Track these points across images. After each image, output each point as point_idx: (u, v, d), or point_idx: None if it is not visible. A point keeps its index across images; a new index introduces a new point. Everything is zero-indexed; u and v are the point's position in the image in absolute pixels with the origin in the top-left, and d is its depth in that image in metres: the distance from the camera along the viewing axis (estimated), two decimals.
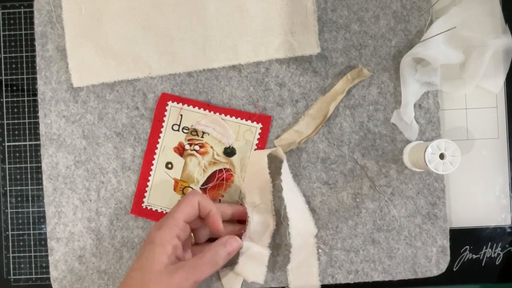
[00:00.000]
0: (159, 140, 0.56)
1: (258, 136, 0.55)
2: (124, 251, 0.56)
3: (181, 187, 0.56)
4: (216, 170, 0.56)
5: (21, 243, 0.57)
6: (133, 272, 0.45)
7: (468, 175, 0.57)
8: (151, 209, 0.56)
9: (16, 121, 0.57)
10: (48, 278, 0.56)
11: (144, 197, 0.56)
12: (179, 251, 0.46)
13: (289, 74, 0.56)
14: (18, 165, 0.57)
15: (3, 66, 0.57)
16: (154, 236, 0.45)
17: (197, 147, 0.56)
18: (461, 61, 0.54)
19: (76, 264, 0.56)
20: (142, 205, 0.56)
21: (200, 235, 0.52)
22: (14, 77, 0.57)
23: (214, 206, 0.49)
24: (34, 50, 0.56)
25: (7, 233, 0.57)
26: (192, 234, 0.52)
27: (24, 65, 0.57)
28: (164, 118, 0.56)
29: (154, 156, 0.56)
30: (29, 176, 0.57)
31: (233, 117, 0.55)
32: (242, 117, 0.55)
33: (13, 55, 0.57)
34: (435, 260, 0.55)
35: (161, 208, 0.56)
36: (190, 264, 0.44)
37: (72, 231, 0.56)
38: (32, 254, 0.57)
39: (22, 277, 0.57)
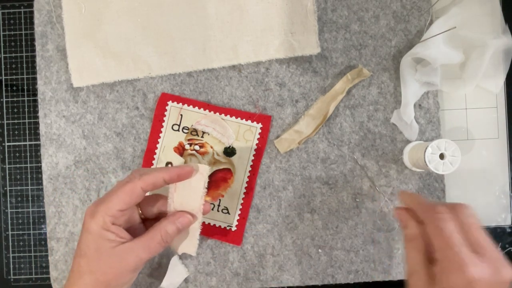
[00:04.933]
0: (159, 140, 0.56)
1: (258, 136, 0.55)
2: None
3: None
4: (216, 170, 0.56)
5: (21, 243, 0.57)
6: (79, 258, 0.44)
7: (468, 175, 0.57)
8: None
9: (16, 121, 0.57)
10: (48, 278, 0.56)
11: None
12: (122, 232, 0.44)
13: (289, 74, 0.56)
14: (18, 165, 0.57)
15: (3, 66, 0.57)
16: (89, 224, 0.43)
17: (197, 147, 0.56)
18: (461, 61, 0.54)
19: None
20: None
21: (148, 212, 0.48)
22: (14, 77, 0.57)
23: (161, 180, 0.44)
24: (34, 50, 0.56)
25: (7, 233, 0.57)
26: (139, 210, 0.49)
27: (24, 65, 0.57)
28: (164, 118, 0.56)
29: (154, 156, 0.56)
30: (29, 176, 0.57)
31: (233, 117, 0.55)
32: (242, 117, 0.55)
33: (13, 55, 0.57)
34: None
35: None
36: (141, 244, 0.44)
37: (72, 231, 0.56)
38: (32, 254, 0.57)
39: (22, 277, 0.57)
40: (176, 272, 0.55)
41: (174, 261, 0.55)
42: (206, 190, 0.47)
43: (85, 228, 0.44)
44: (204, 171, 0.47)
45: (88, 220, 0.43)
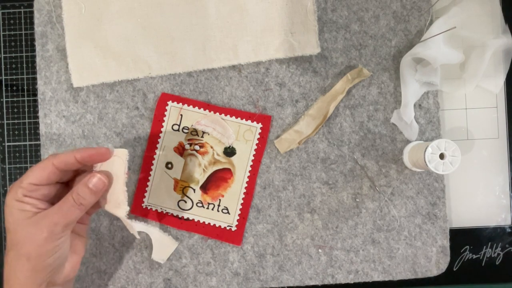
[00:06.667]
0: (159, 140, 0.56)
1: (258, 136, 0.55)
2: (124, 251, 0.56)
3: (181, 187, 0.56)
4: (216, 170, 0.56)
5: None
6: (6, 235, 0.46)
7: (468, 175, 0.57)
8: (151, 209, 0.56)
9: (16, 121, 0.57)
10: None
11: (144, 197, 0.56)
12: (39, 203, 0.45)
13: (289, 74, 0.56)
14: (18, 165, 0.57)
15: (3, 66, 0.57)
16: (6, 199, 0.45)
17: (197, 147, 0.56)
18: (461, 61, 0.54)
19: None
20: (142, 205, 0.56)
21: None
22: (14, 77, 0.57)
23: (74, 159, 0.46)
24: (34, 50, 0.56)
25: None
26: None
27: (24, 65, 0.57)
28: (164, 118, 0.56)
29: (154, 156, 0.56)
30: None
31: (233, 117, 0.55)
32: (242, 117, 0.55)
33: (13, 55, 0.57)
34: (435, 260, 0.55)
35: (161, 208, 0.56)
36: (55, 210, 0.45)
37: None
38: None
39: None
40: (164, 245, 0.55)
41: (158, 234, 0.55)
42: (126, 176, 0.47)
43: (5, 204, 0.46)
44: (122, 155, 0.47)
45: (6, 196, 0.45)
